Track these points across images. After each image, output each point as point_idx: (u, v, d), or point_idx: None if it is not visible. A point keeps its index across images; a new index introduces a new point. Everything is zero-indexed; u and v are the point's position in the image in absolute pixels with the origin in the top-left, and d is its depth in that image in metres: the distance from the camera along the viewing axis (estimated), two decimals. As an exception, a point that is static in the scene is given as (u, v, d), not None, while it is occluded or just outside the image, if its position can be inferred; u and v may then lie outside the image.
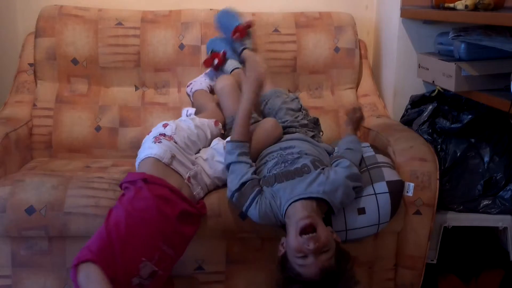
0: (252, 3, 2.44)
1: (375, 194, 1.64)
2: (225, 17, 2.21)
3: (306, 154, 1.67)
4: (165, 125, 1.74)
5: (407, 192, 1.70)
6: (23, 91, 2.21)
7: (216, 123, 1.88)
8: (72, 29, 2.21)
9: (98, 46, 2.21)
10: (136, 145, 2.13)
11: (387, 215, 1.64)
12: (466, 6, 1.74)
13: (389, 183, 1.66)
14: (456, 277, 1.99)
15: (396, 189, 1.66)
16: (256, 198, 1.56)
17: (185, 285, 1.70)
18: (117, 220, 1.43)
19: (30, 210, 1.60)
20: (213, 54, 2.16)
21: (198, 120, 1.84)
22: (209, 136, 1.82)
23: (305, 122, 1.92)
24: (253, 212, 1.56)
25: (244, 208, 1.58)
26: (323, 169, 1.61)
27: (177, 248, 1.52)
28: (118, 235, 1.40)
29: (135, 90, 2.25)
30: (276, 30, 2.30)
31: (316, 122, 1.99)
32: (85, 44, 2.20)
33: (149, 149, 1.64)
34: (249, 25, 2.20)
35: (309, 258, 1.39)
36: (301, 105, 2.01)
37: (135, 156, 2.12)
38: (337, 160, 1.68)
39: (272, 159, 1.69)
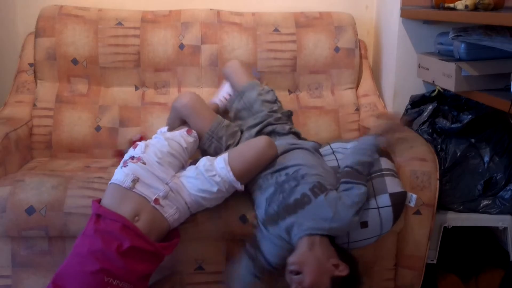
0: (252, 2, 2.44)
1: (378, 208, 1.63)
2: None
3: (303, 177, 1.58)
4: (134, 146, 1.65)
5: (409, 202, 1.69)
6: (23, 91, 2.21)
7: (188, 131, 1.74)
8: (72, 29, 2.21)
9: (98, 46, 2.21)
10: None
11: (388, 226, 1.64)
12: (466, 6, 1.74)
13: (392, 196, 1.64)
14: (456, 277, 1.99)
15: (398, 201, 1.65)
16: None
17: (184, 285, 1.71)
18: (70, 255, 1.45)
19: (30, 210, 1.60)
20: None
21: (169, 133, 1.73)
22: (184, 145, 1.68)
23: (279, 115, 1.86)
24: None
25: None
26: (326, 194, 1.53)
27: (133, 282, 1.44)
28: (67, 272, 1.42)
29: (135, 90, 2.25)
30: (276, 30, 2.30)
31: (289, 116, 1.94)
32: (85, 44, 2.20)
33: (114, 175, 1.57)
34: None
35: None
36: (276, 97, 1.95)
37: (135, 156, 2.14)
38: (347, 182, 1.58)
39: (268, 186, 1.60)
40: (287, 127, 1.85)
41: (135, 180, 1.52)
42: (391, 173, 1.71)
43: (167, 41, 2.24)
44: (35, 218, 1.61)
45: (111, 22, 2.24)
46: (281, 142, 1.75)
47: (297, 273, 1.42)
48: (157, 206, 1.51)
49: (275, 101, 1.94)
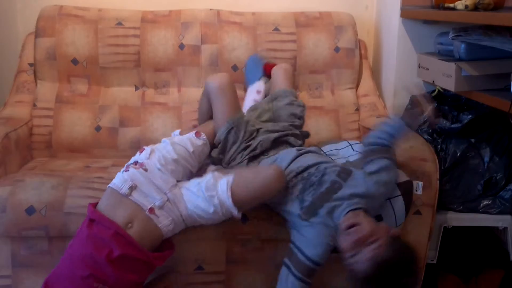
0: (252, 2, 2.44)
1: (389, 199, 1.63)
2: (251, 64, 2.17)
3: (326, 169, 1.60)
4: (141, 151, 1.62)
5: (416, 190, 1.70)
6: (23, 91, 2.21)
7: (197, 134, 1.71)
8: (72, 29, 2.21)
9: (98, 46, 2.21)
10: (136, 145, 2.15)
11: (402, 217, 1.65)
12: (466, 6, 1.74)
13: (400, 185, 1.65)
14: (456, 277, 1.99)
15: (407, 190, 1.66)
16: None
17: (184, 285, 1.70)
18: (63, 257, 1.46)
19: (30, 210, 1.60)
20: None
21: (177, 138, 1.70)
22: (190, 149, 1.65)
23: (297, 132, 1.86)
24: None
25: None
26: (352, 175, 1.57)
27: None
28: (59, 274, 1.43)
29: (135, 90, 2.25)
30: (276, 29, 2.30)
31: (305, 136, 1.92)
32: (85, 44, 2.20)
33: (115, 178, 1.55)
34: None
35: (360, 252, 1.38)
36: (303, 115, 1.93)
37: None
38: (371, 160, 1.61)
39: (294, 185, 1.59)
40: (299, 142, 1.85)
41: (133, 187, 1.50)
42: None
43: (167, 41, 2.24)
44: (35, 218, 1.61)
45: (111, 22, 2.23)
46: (291, 150, 1.75)
47: (352, 226, 1.42)
48: (151, 216, 1.48)
49: (301, 117, 1.92)
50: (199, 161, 1.71)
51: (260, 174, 1.55)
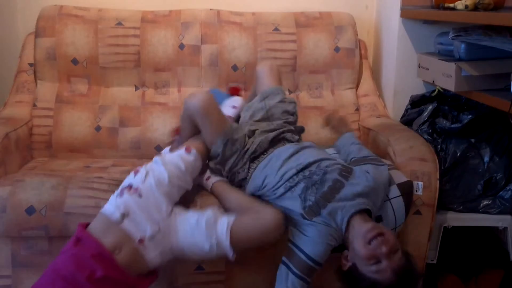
0: (252, 2, 2.44)
1: (389, 199, 1.64)
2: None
3: (327, 167, 1.61)
4: (136, 171, 1.56)
5: (416, 191, 1.70)
6: (23, 91, 2.21)
7: (187, 149, 1.64)
8: (72, 29, 2.21)
9: (98, 46, 2.21)
10: (136, 145, 2.15)
11: (402, 217, 1.65)
12: (466, 6, 1.74)
13: (400, 186, 1.66)
14: (456, 277, 1.99)
15: (407, 190, 1.67)
16: None
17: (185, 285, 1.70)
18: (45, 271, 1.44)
19: (30, 210, 1.60)
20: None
21: (168, 156, 1.64)
22: (183, 168, 1.59)
23: (292, 128, 1.86)
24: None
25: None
26: (353, 174, 1.60)
27: None
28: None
29: (135, 90, 2.25)
30: (276, 29, 2.30)
31: (300, 131, 1.92)
32: (85, 44, 2.20)
33: (107, 202, 1.51)
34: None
35: (382, 262, 1.40)
36: (295, 110, 1.92)
37: (135, 156, 2.14)
38: (367, 163, 1.68)
39: (296, 183, 1.59)
40: (296, 137, 1.85)
41: (125, 215, 1.45)
42: (392, 166, 1.74)
43: (167, 41, 2.24)
44: (35, 218, 1.61)
45: (111, 22, 2.23)
46: (287, 147, 1.74)
47: (378, 235, 1.43)
48: (140, 246, 1.45)
49: (294, 113, 1.91)
50: (193, 177, 1.67)
51: (260, 220, 1.52)
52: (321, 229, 1.51)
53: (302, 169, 1.62)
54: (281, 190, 1.60)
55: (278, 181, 1.62)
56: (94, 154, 2.15)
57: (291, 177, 1.61)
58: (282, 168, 1.64)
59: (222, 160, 1.70)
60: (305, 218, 1.53)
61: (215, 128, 1.68)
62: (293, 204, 1.57)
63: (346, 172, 1.60)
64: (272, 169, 1.66)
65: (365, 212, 1.54)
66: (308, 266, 1.50)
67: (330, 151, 1.93)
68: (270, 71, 1.95)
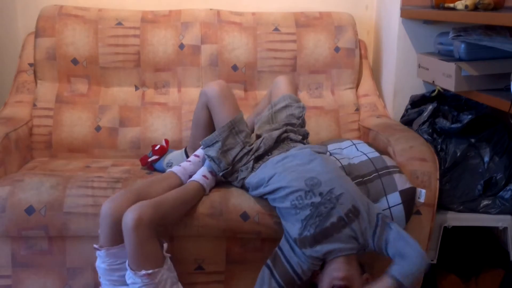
0: (252, 2, 2.45)
1: (389, 208, 1.64)
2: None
3: (337, 199, 1.55)
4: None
5: (418, 198, 1.69)
6: (23, 91, 2.21)
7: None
8: (72, 29, 2.21)
9: (98, 46, 2.21)
10: (136, 145, 2.15)
11: (402, 225, 1.65)
12: (466, 6, 1.74)
13: (402, 193, 1.65)
14: (456, 277, 1.99)
15: (408, 198, 1.66)
16: None
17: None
18: None
19: (29, 210, 1.61)
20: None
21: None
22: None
23: (295, 129, 1.85)
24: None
25: None
26: (359, 220, 1.54)
27: None
28: None
29: (135, 90, 2.25)
30: (276, 29, 2.30)
31: (304, 136, 1.90)
32: (85, 44, 2.20)
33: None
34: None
35: None
36: (302, 115, 1.89)
37: (135, 156, 2.14)
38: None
39: (303, 206, 1.54)
40: (299, 137, 1.84)
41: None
42: (397, 169, 1.72)
43: (167, 41, 2.24)
44: (35, 218, 1.61)
45: (111, 22, 2.24)
46: (306, 150, 1.71)
47: (343, 287, 1.47)
48: None
49: (300, 117, 1.88)
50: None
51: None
52: (304, 260, 1.53)
53: (311, 189, 1.57)
54: (287, 204, 1.57)
55: (285, 187, 1.59)
56: (94, 154, 2.15)
57: (299, 196, 1.56)
58: (293, 173, 1.61)
59: (223, 149, 1.70)
60: (296, 244, 1.54)
61: (228, 112, 1.75)
62: (293, 226, 1.56)
63: (353, 215, 1.54)
64: (284, 168, 1.64)
65: (355, 255, 1.54)
66: (291, 278, 1.53)
67: (331, 147, 1.92)
68: (285, 81, 1.96)
